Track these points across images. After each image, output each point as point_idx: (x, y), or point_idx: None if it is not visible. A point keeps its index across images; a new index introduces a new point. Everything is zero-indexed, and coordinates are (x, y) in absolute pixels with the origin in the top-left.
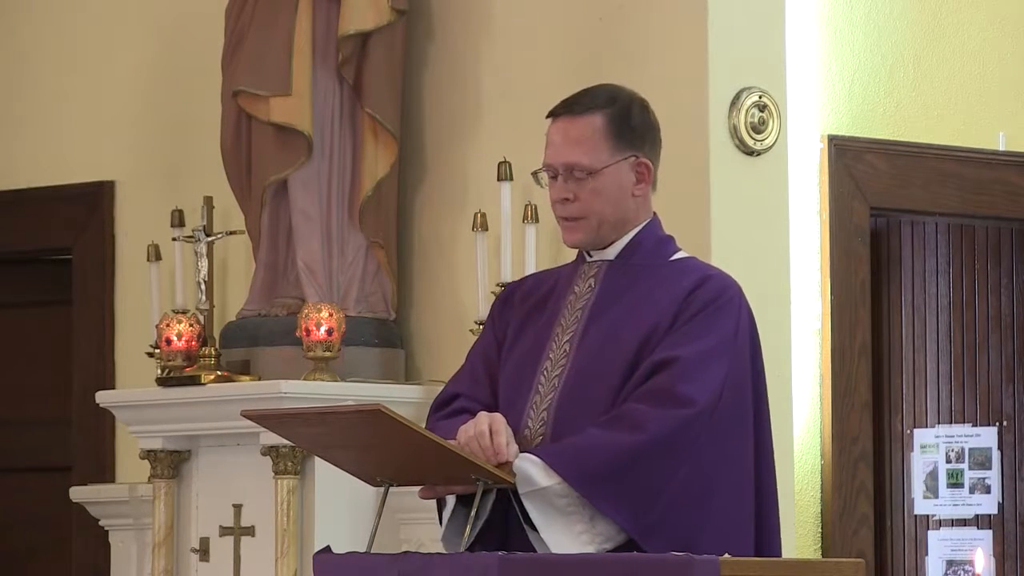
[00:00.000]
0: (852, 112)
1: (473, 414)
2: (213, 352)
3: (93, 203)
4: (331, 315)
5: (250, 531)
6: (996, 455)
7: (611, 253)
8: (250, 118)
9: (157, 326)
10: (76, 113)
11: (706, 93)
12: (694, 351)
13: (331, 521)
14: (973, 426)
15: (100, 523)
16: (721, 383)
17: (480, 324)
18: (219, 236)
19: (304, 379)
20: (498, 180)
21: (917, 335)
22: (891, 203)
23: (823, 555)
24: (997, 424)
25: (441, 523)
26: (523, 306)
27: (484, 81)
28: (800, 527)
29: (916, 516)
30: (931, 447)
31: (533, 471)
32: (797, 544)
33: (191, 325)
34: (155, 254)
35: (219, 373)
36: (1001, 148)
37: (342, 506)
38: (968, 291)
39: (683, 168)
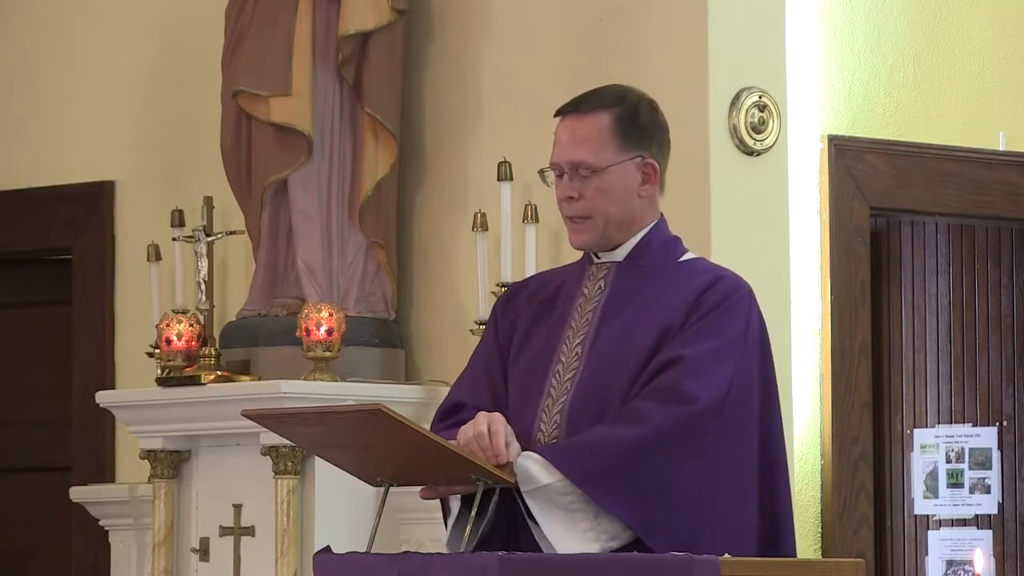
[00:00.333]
0: (852, 112)
1: None
2: (213, 352)
3: (93, 203)
4: (331, 315)
5: (250, 531)
6: (996, 455)
7: (620, 254)
8: (250, 118)
9: (157, 326)
10: (76, 113)
11: (706, 93)
12: (701, 350)
13: (331, 521)
14: (973, 426)
15: (100, 523)
16: (727, 383)
17: (480, 324)
18: (219, 236)
19: (304, 379)
20: (498, 180)
21: (917, 335)
22: (891, 203)
23: (823, 555)
24: (997, 424)
25: (447, 527)
26: (530, 307)
27: (484, 81)
28: (800, 527)
29: (916, 516)
30: (931, 447)
31: (535, 469)
32: (797, 544)
33: (191, 325)
34: (155, 254)
35: (219, 373)
36: (1001, 148)
37: (342, 506)
38: (968, 291)
39: (683, 168)
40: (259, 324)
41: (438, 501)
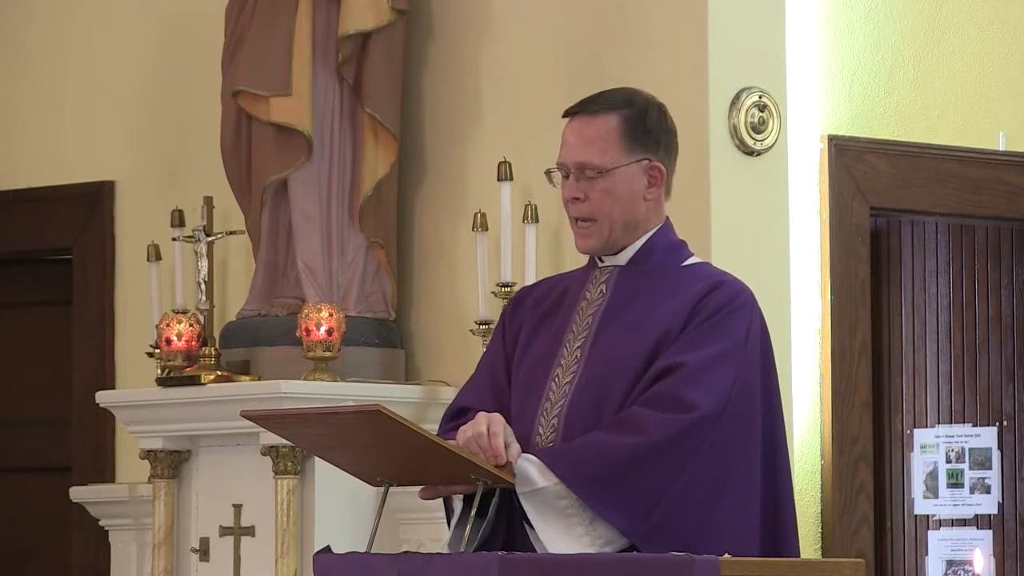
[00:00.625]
0: (852, 112)
1: None
2: (213, 352)
3: (93, 203)
4: (331, 315)
5: (250, 531)
6: (996, 455)
7: (623, 258)
8: (250, 118)
9: (157, 326)
10: (76, 113)
11: (706, 93)
12: (700, 357)
13: (331, 521)
14: (973, 426)
15: (100, 523)
16: (728, 389)
17: (480, 324)
18: (219, 236)
19: (304, 379)
20: (498, 180)
21: (917, 335)
22: (891, 203)
23: (823, 555)
24: (997, 424)
25: (449, 528)
26: (535, 311)
27: (484, 81)
28: (800, 527)
29: (916, 516)
30: (931, 447)
31: (532, 471)
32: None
33: (191, 325)
34: (155, 254)
35: (219, 373)
36: (1001, 148)
37: (342, 506)
38: (968, 291)
39: (683, 168)
40: (259, 324)
41: (440, 501)
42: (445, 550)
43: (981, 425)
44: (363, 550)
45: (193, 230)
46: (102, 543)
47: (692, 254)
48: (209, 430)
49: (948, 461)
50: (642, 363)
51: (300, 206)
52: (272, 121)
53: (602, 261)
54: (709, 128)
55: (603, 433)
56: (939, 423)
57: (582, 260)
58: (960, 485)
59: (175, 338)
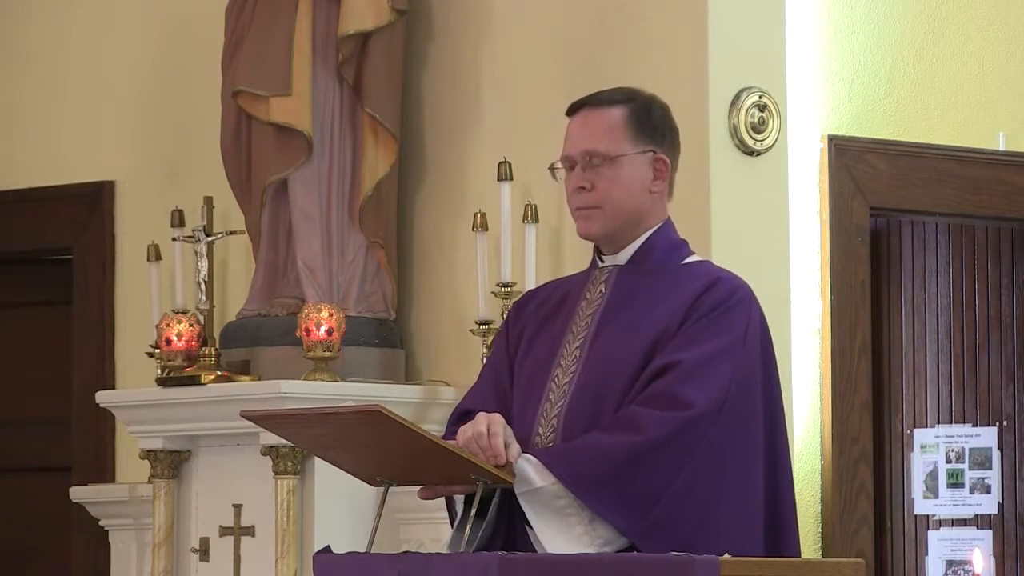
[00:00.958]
0: (852, 112)
1: None
2: (213, 352)
3: (93, 203)
4: (331, 315)
5: (250, 531)
6: (996, 455)
7: (622, 258)
8: (250, 118)
9: (157, 326)
10: (76, 113)
11: (706, 93)
12: (697, 354)
13: (331, 521)
14: (973, 426)
15: (100, 523)
16: (726, 385)
17: (480, 324)
18: (219, 236)
19: (304, 379)
20: (498, 180)
21: (917, 335)
22: (891, 203)
23: (823, 555)
24: (997, 424)
25: (452, 528)
26: (537, 314)
27: (484, 81)
28: (800, 527)
29: (916, 516)
30: (931, 447)
31: (530, 471)
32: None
33: (191, 325)
34: (155, 254)
35: (219, 373)
36: (1001, 148)
37: (342, 506)
38: (968, 291)
39: (683, 168)
40: (259, 324)
41: (440, 501)
42: (445, 550)
43: (981, 425)
44: (363, 550)
45: (193, 230)
46: (102, 543)
47: (692, 253)
48: (209, 430)
49: (948, 461)
50: (640, 362)
51: (300, 206)
52: (272, 121)
53: (602, 261)
54: (709, 128)
55: (601, 433)
56: (939, 423)
57: (582, 259)
58: (960, 485)
59: (175, 338)
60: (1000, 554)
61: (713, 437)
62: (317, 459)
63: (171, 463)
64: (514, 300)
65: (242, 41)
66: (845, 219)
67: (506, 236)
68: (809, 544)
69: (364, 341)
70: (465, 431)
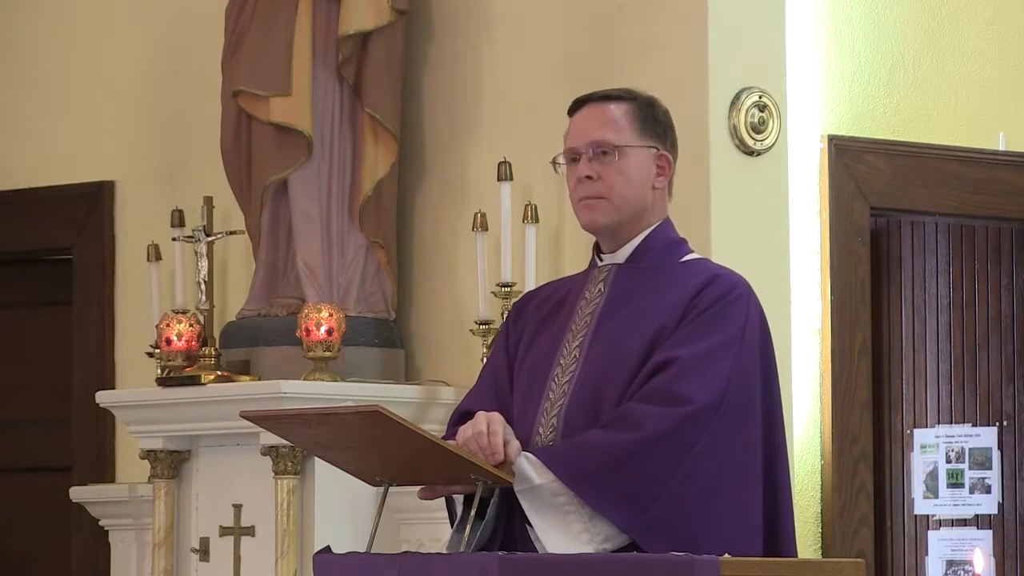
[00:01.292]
0: (852, 112)
1: None
2: (213, 352)
3: (93, 203)
4: (331, 315)
5: (250, 531)
6: (996, 455)
7: (621, 256)
8: (250, 118)
9: (157, 326)
10: (76, 113)
11: (706, 93)
12: (695, 350)
13: (331, 521)
14: (973, 426)
15: (100, 523)
16: (725, 382)
17: (480, 324)
18: (219, 236)
19: (304, 379)
20: (498, 180)
21: (917, 335)
22: (891, 203)
23: (823, 555)
24: (997, 424)
25: (452, 528)
26: (537, 314)
27: (484, 81)
28: (800, 527)
29: (916, 516)
30: (931, 447)
31: (529, 469)
32: (797, 544)
33: (191, 325)
34: (155, 254)
35: (219, 373)
36: (1001, 148)
37: (342, 506)
38: (968, 291)
39: (683, 168)
40: (259, 324)
41: (440, 501)
42: (445, 551)
43: (981, 425)
44: (363, 550)
45: (193, 230)
46: (102, 543)
47: (691, 251)
48: (209, 430)
49: (948, 461)
50: (639, 360)
51: (300, 206)
52: (272, 121)
53: (601, 260)
54: (709, 128)
55: (600, 430)
56: (939, 423)
57: (582, 259)
58: (960, 485)
59: (175, 338)
60: (1000, 554)
61: (712, 433)
62: (317, 459)
63: (171, 463)
64: (514, 300)
65: (242, 41)
66: (845, 219)
67: (506, 236)
68: (809, 544)
69: (364, 341)
70: (465, 430)
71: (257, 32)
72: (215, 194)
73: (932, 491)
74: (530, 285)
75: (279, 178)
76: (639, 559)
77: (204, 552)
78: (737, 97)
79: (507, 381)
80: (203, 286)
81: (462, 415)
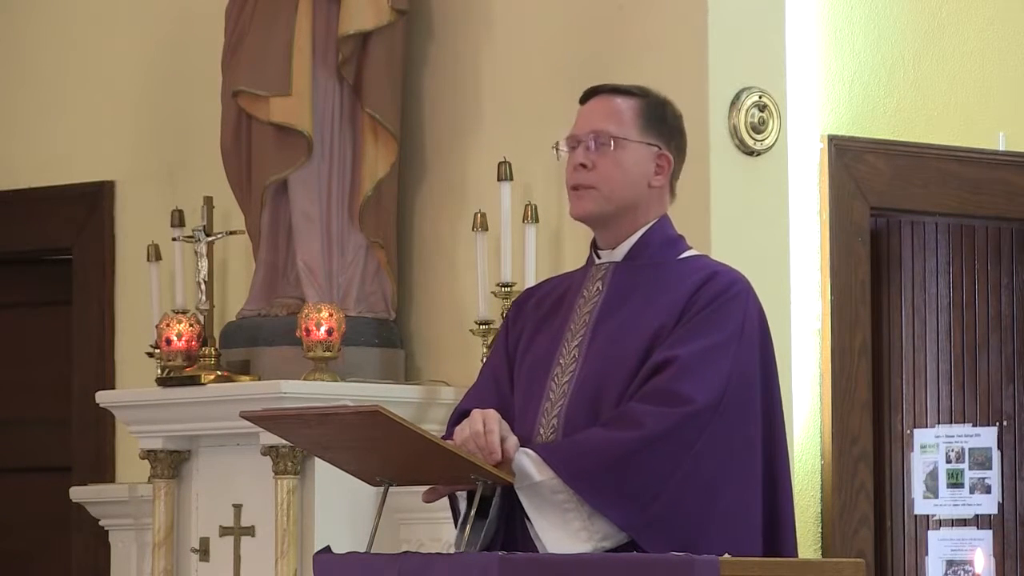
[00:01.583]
0: (852, 112)
1: None
2: (213, 352)
3: (93, 203)
4: (331, 315)
5: (250, 531)
6: (996, 455)
7: (619, 254)
8: (250, 118)
9: (157, 326)
10: (76, 113)
11: (706, 93)
12: (694, 349)
13: (331, 521)
14: (973, 426)
15: (100, 523)
16: (724, 380)
17: (480, 324)
18: (219, 236)
19: (304, 379)
20: (498, 180)
21: (917, 335)
22: (891, 203)
23: (823, 555)
24: (997, 424)
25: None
26: (536, 313)
27: (484, 81)
28: (800, 527)
29: (916, 516)
30: (931, 447)
31: (529, 466)
32: (797, 544)
33: (191, 325)
34: (155, 254)
35: (219, 373)
36: (1001, 148)
37: (342, 506)
38: (968, 291)
39: (683, 168)
40: (259, 324)
41: (443, 500)
42: (445, 549)
43: (981, 425)
44: (363, 550)
45: (193, 230)
46: (102, 543)
47: (690, 248)
48: (209, 430)
49: (948, 461)
50: (639, 359)
51: (300, 206)
52: (272, 121)
53: (599, 257)
54: (709, 128)
55: (600, 428)
56: (939, 423)
57: (582, 259)
58: (960, 485)
59: (175, 338)
60: (1000, 554)
61: (712, 432)
62: (317, 459)
63: (171, 463)
64: (514, 300)
65: (242, 41)
66: (845, 219)
67: (506, 236)
68: (809, 544)
69: (364, 341)
70: (462, 430)
71: (257, 32)
72: (215, 194)
73: (932, 491)
74: (530, 285)
75: (279, 178)
76: (639, 559)
77: (204, 552)
78: (737, 97)
79: (507, 380)
80: (203, 286)
81: (462, 414)
